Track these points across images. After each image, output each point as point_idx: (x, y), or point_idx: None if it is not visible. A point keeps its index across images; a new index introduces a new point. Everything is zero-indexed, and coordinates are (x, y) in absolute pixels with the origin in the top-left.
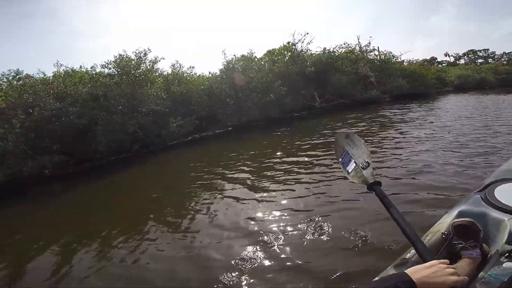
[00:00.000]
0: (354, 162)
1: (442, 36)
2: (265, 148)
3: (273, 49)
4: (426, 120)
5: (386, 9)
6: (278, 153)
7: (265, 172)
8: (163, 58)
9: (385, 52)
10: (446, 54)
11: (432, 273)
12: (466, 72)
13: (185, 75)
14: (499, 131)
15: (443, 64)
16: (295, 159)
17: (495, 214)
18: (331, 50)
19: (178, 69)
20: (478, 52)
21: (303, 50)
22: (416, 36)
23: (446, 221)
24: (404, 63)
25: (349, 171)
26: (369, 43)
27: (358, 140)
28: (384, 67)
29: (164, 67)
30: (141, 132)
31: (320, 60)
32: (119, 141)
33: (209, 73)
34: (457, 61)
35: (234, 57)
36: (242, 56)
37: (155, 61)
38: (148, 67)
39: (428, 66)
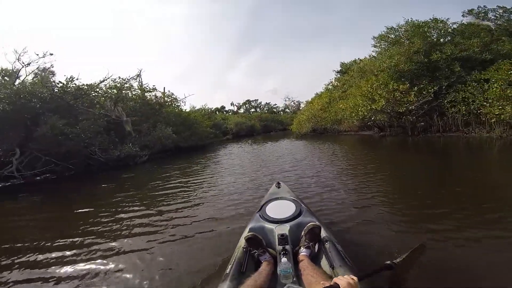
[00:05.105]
0: None
1: (232, 89)
2: None
3: None
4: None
5: (198, 62)
6: None
7: None
8: None
9: (169, 93)
10: (232, 104)
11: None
12: (241, 120)
13: None
14: (260, 163)
15: (229, 113)
16: None
17: (268, 225)
18: (80, 83)
19: None
20: (252, 102)
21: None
22: (217, 89)
23: (243, 237)
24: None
25: None
26: (139, 74)
27: None
28: (154, 111)
29: None
30: None
31: (32, 92)
32: None
33: None
34: (239, 110)
35: None
36: None
37: None
38: None
39: (212, 114)
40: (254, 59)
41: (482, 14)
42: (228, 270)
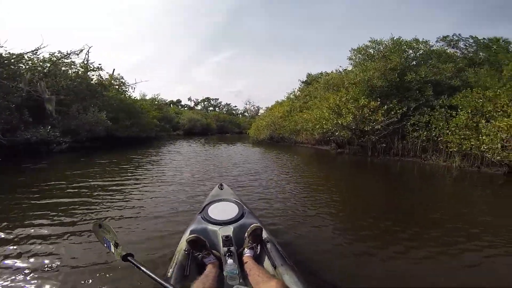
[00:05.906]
0: (112, 244)
1: (194, 84)
2: None
3: None
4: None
5: (161, 52)
6: None
7: None
8: None
9: (118, 77)
10: (189, 99)
11: None
12: (196, 116)
13: None
14: (211, 170)
15: (185, 108)
16: None
17: (211, 227)
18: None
19: None
20: (211, 101)
21: None
22: (178, 82)
23: (184, 239)
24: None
25: (113, 251)
26: (83, 50)
27: (109, 227)
28: (93, 92)
29: None
30: None
31: None
32: None
33: None
34: (196, 106)
35: None
36: None
37: None
38: None
39: (165, 106)
40: (224, 59)
41: (454, 42)
42: (169, 274)
